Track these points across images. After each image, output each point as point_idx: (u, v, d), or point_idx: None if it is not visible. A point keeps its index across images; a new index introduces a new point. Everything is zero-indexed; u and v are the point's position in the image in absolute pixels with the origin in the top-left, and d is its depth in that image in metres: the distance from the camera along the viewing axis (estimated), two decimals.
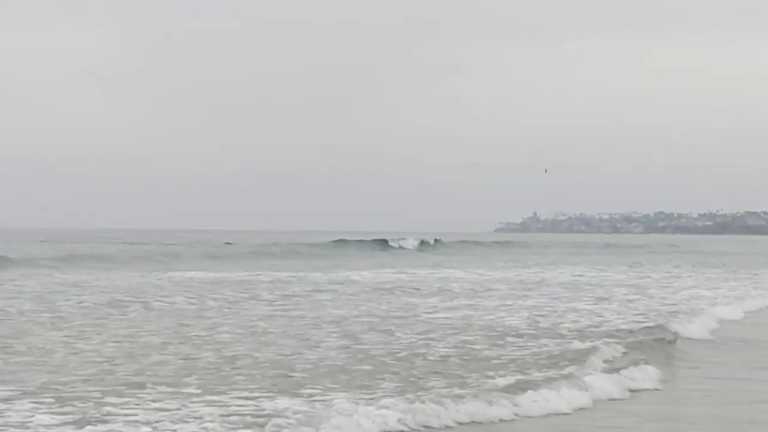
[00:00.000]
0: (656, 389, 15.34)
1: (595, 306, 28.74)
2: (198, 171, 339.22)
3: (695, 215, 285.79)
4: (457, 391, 13.62)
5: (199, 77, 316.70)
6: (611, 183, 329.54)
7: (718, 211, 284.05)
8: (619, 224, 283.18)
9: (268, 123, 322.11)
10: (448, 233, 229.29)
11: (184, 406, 12.64)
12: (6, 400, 12.98)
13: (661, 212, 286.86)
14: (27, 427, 11.49)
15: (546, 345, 19.18)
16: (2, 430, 11.47)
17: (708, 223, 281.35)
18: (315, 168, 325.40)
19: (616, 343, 18.89)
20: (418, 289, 35.17)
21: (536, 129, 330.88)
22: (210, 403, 12.79)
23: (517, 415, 12.98)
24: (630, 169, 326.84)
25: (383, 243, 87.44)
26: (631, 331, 21.33)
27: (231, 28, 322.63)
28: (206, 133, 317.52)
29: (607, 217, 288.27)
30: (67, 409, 12.37)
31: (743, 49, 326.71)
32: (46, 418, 11.84)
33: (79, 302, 27.47)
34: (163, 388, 13.82)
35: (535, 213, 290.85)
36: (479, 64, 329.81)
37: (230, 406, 12.69)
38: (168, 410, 12.38)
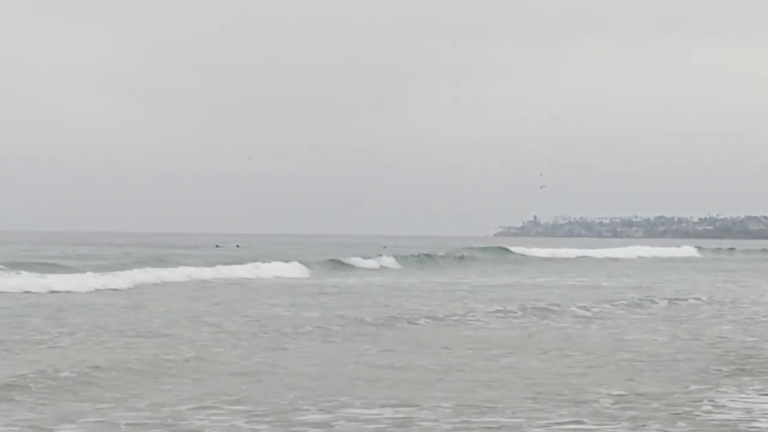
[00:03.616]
0: None
1: None
2: (199, 172, 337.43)
3: (695, 219, 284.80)
4: None
5: (202, 79, 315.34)
6: (612, 187, 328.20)
7: (718, 215, 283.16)
8: (619, 228, 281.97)
9: (269, 124, 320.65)
10: (451, 237, 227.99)
11: None
12: None
13: (662, 216, 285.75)
14: None
15: None
16: None
17: (708, 227, 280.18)
18: (320, 170, 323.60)
19: None
20: None
21: (539, 132, 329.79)
22: None
23: None
24: (630, 173, 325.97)
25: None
26: None
27: (234, 30, 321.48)
28: (208, 135, 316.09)
29: (607, 221, 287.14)
30: None
31: (739, 50, 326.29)
32: None
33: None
34: None
35: (535, 217, 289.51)
36: (481, 68, 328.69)
37: None
38: None
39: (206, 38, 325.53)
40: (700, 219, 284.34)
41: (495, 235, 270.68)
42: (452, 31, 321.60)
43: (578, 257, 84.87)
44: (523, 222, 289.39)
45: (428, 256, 67.35)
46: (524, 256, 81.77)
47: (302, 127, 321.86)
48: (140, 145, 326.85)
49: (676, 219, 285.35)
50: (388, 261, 60.80)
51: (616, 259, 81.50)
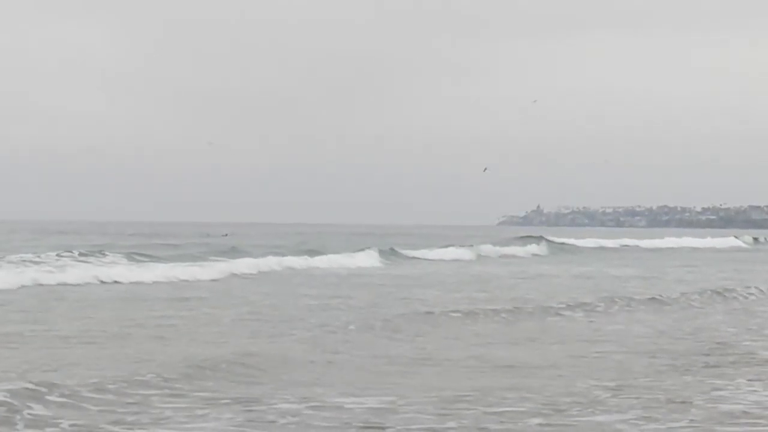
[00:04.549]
0: None
1: None
2: (199, 171, 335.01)
3: (698, 209, 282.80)
4: None
5: (202, 79, 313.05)
6: (615, 177, 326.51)
7: (721, 205, 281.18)
8: (622, 218, 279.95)
9: (269, 122, 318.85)
10: (454, 226, 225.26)
11: None
12: None
13: (665, 206, 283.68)
14: None
15: None
16: None
17: (711, 217, 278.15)
18: (320, 166, 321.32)
19: None
20: None
21: (541, 124, 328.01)
22: None
23: None
24: (633, 163, 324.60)
25: None
26: None
27: (234, 29, 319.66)
28: (208, 135, 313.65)
29: (610, 210, 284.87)
30: None
31: (739, 50, 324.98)
32: None
33: None
34: None
35: (538, 206, 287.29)
36: (481, 67, 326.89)
37: None
38: None
39: (206, 38, 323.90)
40: (703, 209, 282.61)
41: (498, 224, 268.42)
42: (452, 31, 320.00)
43: (621, 246, 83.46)
44: (526, 211, 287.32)
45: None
46: (564, 244, 79.09)
47: (302, 125, 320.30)
48: (140, 144, 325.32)
49: (679, 208, 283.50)
50: (459, 252, 57.69)
51: (671, 249, 79.20)
